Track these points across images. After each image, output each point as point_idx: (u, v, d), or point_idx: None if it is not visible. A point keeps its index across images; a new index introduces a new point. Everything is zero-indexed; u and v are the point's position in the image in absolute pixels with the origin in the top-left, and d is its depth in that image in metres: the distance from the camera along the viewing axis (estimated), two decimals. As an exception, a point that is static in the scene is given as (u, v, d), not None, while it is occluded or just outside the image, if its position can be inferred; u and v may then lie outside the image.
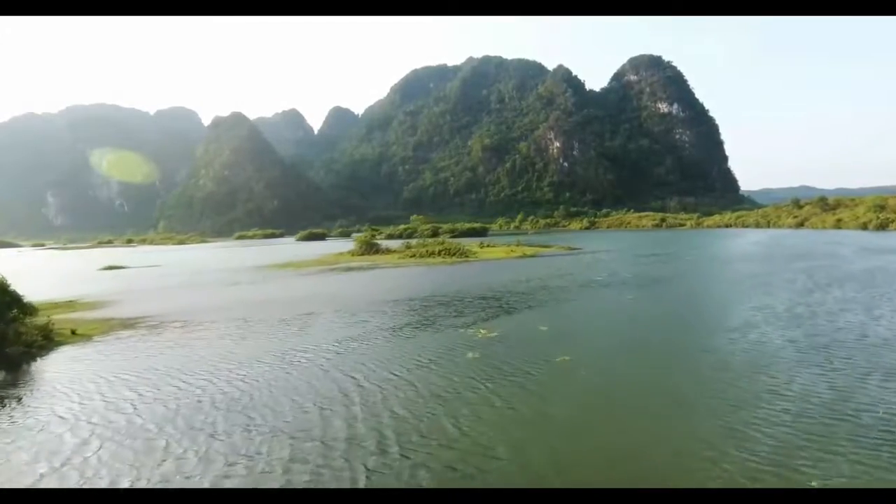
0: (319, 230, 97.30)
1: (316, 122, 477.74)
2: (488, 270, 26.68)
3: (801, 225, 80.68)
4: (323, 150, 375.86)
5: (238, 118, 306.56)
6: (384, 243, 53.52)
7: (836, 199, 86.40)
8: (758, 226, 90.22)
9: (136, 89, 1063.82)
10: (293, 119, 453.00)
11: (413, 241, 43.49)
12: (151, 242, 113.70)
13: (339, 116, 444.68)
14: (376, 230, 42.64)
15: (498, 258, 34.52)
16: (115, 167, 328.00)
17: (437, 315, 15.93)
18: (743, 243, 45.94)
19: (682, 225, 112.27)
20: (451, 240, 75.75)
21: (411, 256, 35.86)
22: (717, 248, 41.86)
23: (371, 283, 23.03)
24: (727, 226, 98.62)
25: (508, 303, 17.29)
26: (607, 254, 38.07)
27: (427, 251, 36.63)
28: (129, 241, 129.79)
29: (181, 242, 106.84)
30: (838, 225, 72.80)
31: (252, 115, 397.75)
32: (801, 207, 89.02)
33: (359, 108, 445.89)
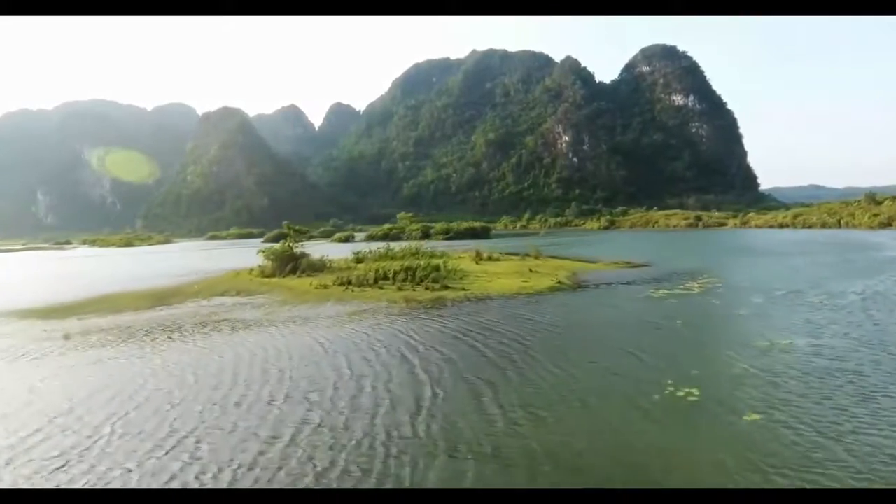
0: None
1: (316, 118, 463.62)
2: (486, 363, 9.52)
3: (887, 225, 63.74)
4: (322, 147, 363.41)
5: (228, 111, 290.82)
6: (356, 247, 37.72)
7: (927, 194, 69.53)
8: (824, 225, 73.05)
9: (134, 86, 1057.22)
10: (293, 115, 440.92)
11: (370, 250, 27.11)
12: (105, 244, 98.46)
13: (340, 113, 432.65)
14: (302, 233, 27.94)
15: (507, 293, 17.60)
16: (109, 164, 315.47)
17: None
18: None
19: (722, 225, 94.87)
20: (446, 242, 59.47)
21: (344, 285, 19.33)
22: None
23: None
24: (781, 226, 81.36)
25: None
26: (724, 286, 18.19)
27: (381, 271, 20.15)
28: (84, 242, 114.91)
29: (128, 244, 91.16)
30: (946, 225, 55.96)
31: (252, 111, 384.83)
32: (879, 203, 72.07)
33: (360, 105, 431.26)
